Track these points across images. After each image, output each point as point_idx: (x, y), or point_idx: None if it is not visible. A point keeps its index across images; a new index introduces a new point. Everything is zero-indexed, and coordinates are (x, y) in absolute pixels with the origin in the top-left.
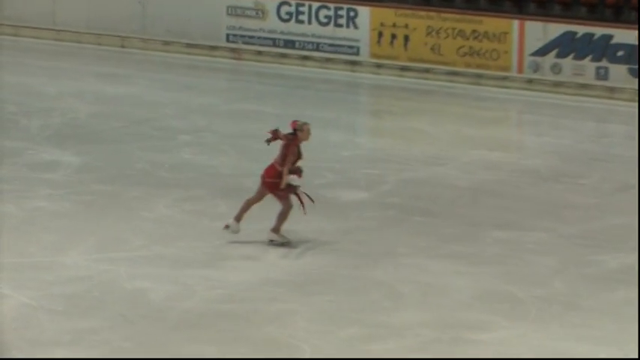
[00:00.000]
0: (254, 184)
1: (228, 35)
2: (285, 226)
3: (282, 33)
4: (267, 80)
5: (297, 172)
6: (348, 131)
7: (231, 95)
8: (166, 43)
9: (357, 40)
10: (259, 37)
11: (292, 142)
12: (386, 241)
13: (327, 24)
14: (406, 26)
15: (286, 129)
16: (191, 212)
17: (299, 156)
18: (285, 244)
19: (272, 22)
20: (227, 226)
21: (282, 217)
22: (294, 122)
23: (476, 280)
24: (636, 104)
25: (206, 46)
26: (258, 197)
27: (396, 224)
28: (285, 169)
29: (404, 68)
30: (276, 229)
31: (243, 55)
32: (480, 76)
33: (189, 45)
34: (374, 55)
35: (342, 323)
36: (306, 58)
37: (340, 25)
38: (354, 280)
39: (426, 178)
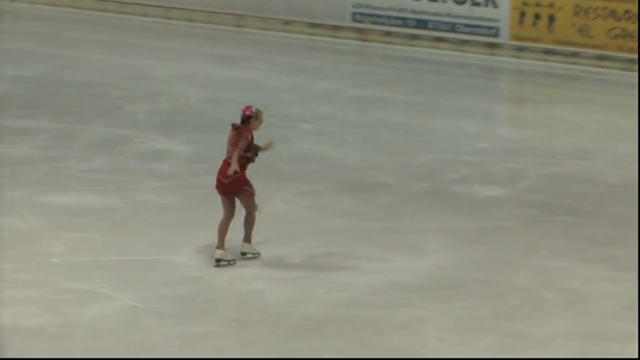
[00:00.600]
0: (381, 177)
1: (354, 14)
2: (416, 225)
3: (413, 12)
4: (396, 64)
5: (254, 152)
6: (485, 121)
7: (357, 80)
8: (286, 22)
9: (496, 21)
10: (388, 17)
11: (244, 130)
12: (526, 242)
13: (463, 2)
14: (551, 5)
15: (410, 116)
16: (311, 208)
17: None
18: (255, 255)
19: (402, 0)
20: (218, 261)
21: (249, 223)
22: (249, 108)
23: (627, 287)
24: None
25: (330, 26)
26: (229, 213)
27: (537, 224)
28: (236, 153)
29: (548, 52)
30: (247, 239)
31: (371, 36)
32: (632, 61)
33: (311, 25)
34: (515, 37)
35: (477, 332)
36: (439, 39)
37: (478, 4)
38: (490, 285)
39: (571, 173)
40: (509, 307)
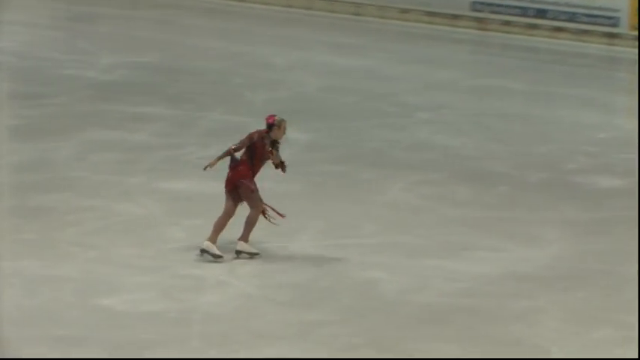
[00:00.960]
0: (498, 167)
1: (473, 3)
2: (533, 215)
3: (532, 1)
4: (515, 53)
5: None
6: (604, 111)
7: (475, 69)
8: (404, 11)
9: (616, 10)
10: (507, 6)
11: (256, 132)
12: None
13: None
14: None
15: (529, 106)
16: (428, 197)
17: (266, 155)
18: (254, 255)
19: None
20: (203, 251)
21: (249, 223)
22: (272, 117)
23: None
24: None
25: (448, 15)
26: (227, 210)
27: None
28: (230, 150)
29: None
30: (244, 238)
31: (489, 26)
32: None
33: (429, 13)
34: (634, 27)
35: (594, 324)
36: (558, 29)
37: None
38: (608, 276)
39: None
40: (627, 299)
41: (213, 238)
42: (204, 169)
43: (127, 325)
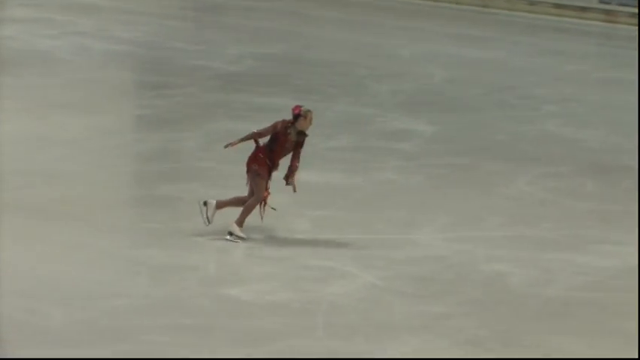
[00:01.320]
0: (625, 160)
1: None
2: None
3: None
4: None
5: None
6: None
7: (603, 62)
8: (532, 3)
9: None
10: None
11: (281, 122)
12: None
13: None
14: None
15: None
16: (555, 190)
17: (289, 145)
18: (237, 241)
19: None
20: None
21: (247, 207)
22: (298, 107)
23: None
24: None
25: (576, 7)
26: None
27: None
28: (254, 134)
29: None
30: (239, 222)
31: (617, 18)
32: None
33: (557, 5)
34: None
35: None
36: None
37: None
38: None
39: None
40: None
41: (240, 221)
42: (225, 146)
43: (253, 315)
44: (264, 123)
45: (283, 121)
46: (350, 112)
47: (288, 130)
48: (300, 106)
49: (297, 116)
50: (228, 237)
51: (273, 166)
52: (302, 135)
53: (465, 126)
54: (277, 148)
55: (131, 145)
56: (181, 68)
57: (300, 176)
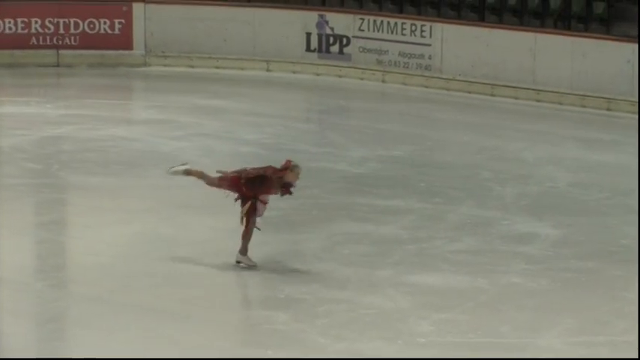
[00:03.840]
0: None
1: None
2: None
3: None
4: None
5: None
6: None
7: None
8: None
9: None
10: None
11: (274, 173)
12: None
13: None
14: None
15: None
16: None
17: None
18: (251, 267)
19: None
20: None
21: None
22: (289, 161)
23: None
24: None
25: None
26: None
27: None
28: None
29: None
30: (242, 251)
31: None
32: None
33: None
34: None
35: None
36: None
37: None
38: None
39: None
40: None
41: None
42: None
43: None
44: (388, 225)
45: (274, 170)
46: (474, 215)
47: (274, 180)
48: (291, 161)
49: (286, 169)
50: (240, 265)
51: (251, 195)
52: (287, 185)
53: (591, 230)
54: (263, 188)
55: (255, 247)
56: (305, 170)
57: (423, 279)
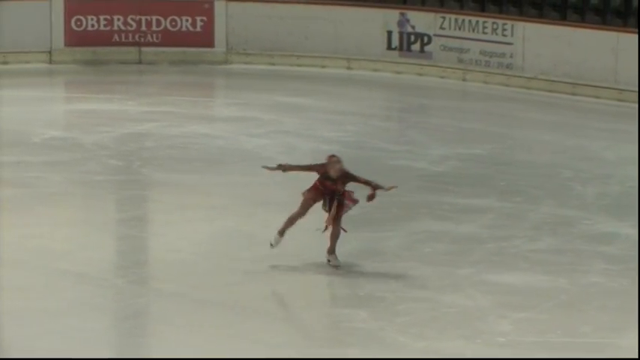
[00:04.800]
0: None
1: None
2: None
3: None
4: None
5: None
6: None
7: None
8: None
9: None
10: None
11: (318, 168)
12: None
13: None
14: None
15: None
16: None
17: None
18: (337, 267)
19: None
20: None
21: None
22: (330, 157)
23: None
24: None
25: None
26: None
27: None
28: (285, 167)
29: None
30: (330, 250)
31: None
32: None
33: None
34: None
35: None
36: None
37: None
38: None
39: None
40: None
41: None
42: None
43: None
44: (468, 224)
45: (319, 166)
46: (554, 214)
47: (321, 175)
48: (332, 156)
49: (326, 164)
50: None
51: (326, 192)
52: (330, 178)
53: None
54: (323, 184)
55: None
56: (385, 168)
57: (503, 278)
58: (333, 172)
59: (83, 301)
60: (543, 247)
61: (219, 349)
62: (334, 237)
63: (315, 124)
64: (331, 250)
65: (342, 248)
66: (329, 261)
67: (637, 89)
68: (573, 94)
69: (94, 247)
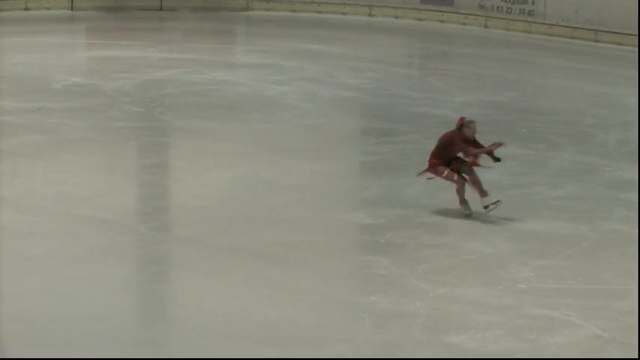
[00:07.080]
0: None
1: None
2: None
3: None
4: None
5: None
6: None
7: None
8: None
9: None
10: None
11: (455, 137)
12: None
13: None
14: None
15: None
16: None
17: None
18: (468, 215)
19: None
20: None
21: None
22: (462, 119)
23: None
24: None
25: None
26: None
27: None
28: (477, 151)
29: None
30: (482, 193)
31: None
32: None
33: None
34: None
35: None
36: None
37: None
38: None
39: None
40: None
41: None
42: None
43: None
44: (490, 171)
45: (451, 133)
46: (576, 162)
47: (455, 139)
48: (464, 118)
49: (460, 126)
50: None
51: (445, 163)
52: (468, 140)
53: None
54: (447, 153)
55: (355, 192)
56: (407, 115)
57: (524, 225)
58: (470, 134)
59: (105, 247)
60: (565, 194)
61: (241, 296)
62: (476, 184)
63: (335, 71)
64: (483, 194)
65: (361, 195)
66: (486, 207)
67: None
68: (595, 40)
69: (115, 193)
